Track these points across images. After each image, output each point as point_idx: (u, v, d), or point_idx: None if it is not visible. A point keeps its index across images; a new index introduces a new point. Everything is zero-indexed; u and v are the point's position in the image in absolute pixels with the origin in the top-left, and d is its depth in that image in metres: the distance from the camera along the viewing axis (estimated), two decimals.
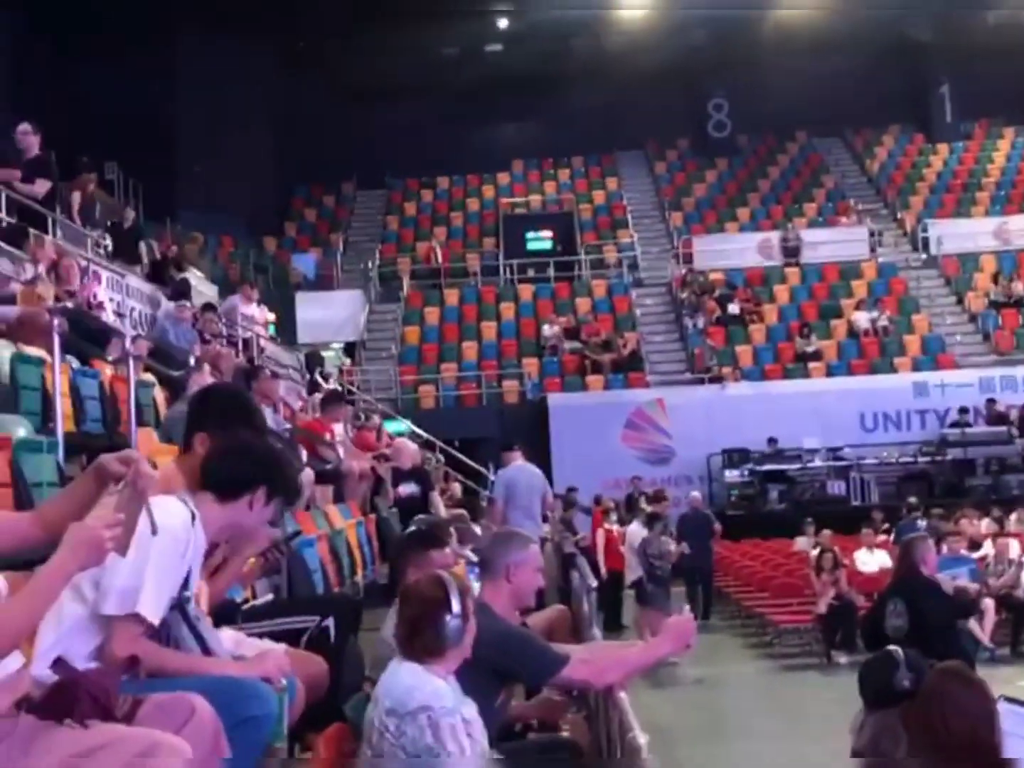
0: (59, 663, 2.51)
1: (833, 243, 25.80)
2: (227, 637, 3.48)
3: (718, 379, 21.97)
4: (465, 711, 3.28)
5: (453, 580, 3.42)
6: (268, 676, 3.02)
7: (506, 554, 4.13)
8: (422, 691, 3.21)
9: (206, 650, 3.14)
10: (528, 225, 28.08)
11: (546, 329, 23.68)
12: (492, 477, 15.59)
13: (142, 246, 14.12)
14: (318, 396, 12.88)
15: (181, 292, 12.59)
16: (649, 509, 14.65)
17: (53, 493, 4.66)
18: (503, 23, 29.03)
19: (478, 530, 7.21)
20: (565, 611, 5.77)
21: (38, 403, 6.15)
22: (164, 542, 2.84)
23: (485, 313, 25.09)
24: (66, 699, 2.40)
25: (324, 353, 20.49)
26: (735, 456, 20.68)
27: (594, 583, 5.39)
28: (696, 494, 17.29)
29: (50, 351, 6.53)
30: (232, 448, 3.28)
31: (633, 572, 13.31)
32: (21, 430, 5.05)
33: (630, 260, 26.66)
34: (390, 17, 25.11)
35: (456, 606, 3.29)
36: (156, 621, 2.93)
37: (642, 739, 2.96)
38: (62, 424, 5.65)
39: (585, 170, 30.88)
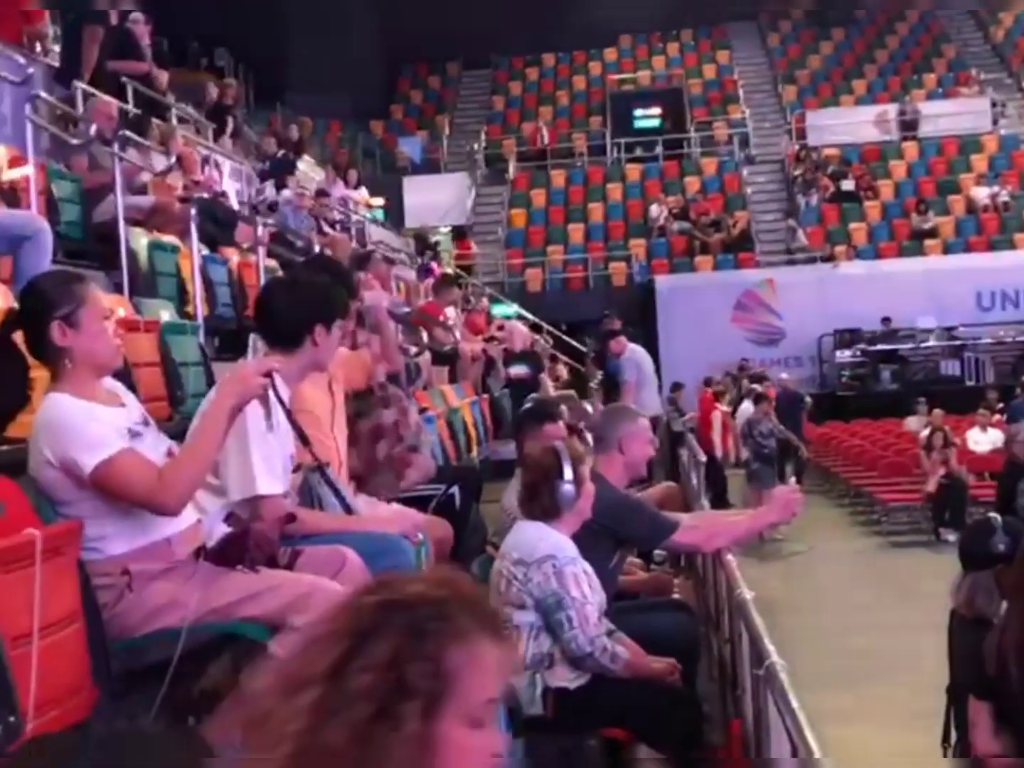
0: (231, 517, 2.83)
1: (953, 115, 24.88)
2: (363, 502, 3.80)
3: (830, 258, 21.64)
4: (584, 565, 3.61)
5: (567, 449, 3.71)
6: (406, 533, 3.33)
7: (618, 428, 4.40)
8: (546, 542, 3.58)
9: (348, 510, 3.47)
10: (636, 102, 27.64)
11: (654, 210, 23.50)
12: (589, 350, 15.79)
13: (250, 133, 14.39)
14: (429, 280, 13.17)
15: (285, 171, 12.82)
16: (759, 388, 14.76)
17: (198, 372, 5.03)
18: None
19: (588, 408, 7.46)
20: (674, 487, 6.02)
21: (174, 288, 6.53)
22: (255, 417, 2.94)
23: (592, 194, 24.95)
24: (238, 549, 2.73)
25: (433, 237, 20.76)
26: (847, 336, 20.51)
27: (703, 458, 5.60)
28: (785, 375, 17.24)
29: (183, 239, 6.90)
30: (274, 307, 3.42)
31: (740, 452, 13.51)
32: (165, 313, 5.40)
33: (741, 137, 26.12)
34: None
35: (568, 473, 3.60)
36: (280, 491, 3.14)
37: (748, 595, 3.19)
38: (201, 308, 6.00)
39: (695, 44, 30.11)
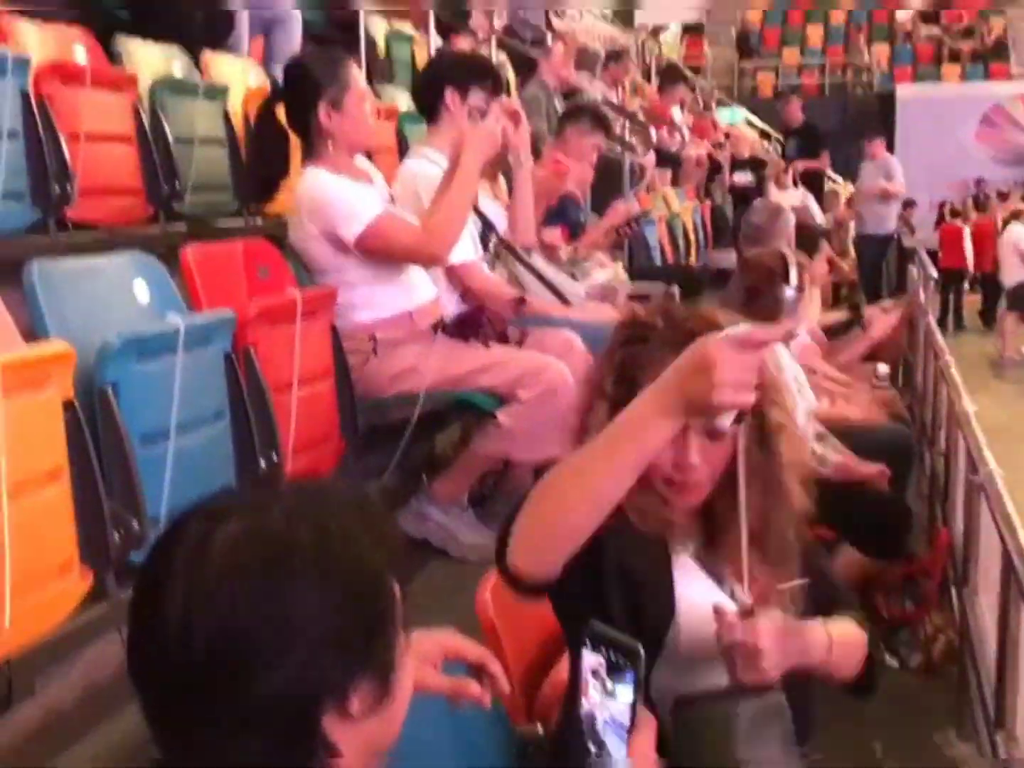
0: (467, 297, 3.00)
1: None
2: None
3: None
4: (796, 372, 3.62)
5: (793, 256, 3.67)
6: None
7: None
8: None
9: (547, 285, 3.56)
10: None
11: (900, 13, 21.91)
12: (828, 170, 15.23)
13: None
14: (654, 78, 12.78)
15: None
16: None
17: None
18: None
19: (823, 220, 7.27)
20: (900, 303, 5.86)
21: (408, 75, 6.65)
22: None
23: None
24: (472, 324, 2.91)
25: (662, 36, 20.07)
26: None
27: (935, 274, 5.42)
28: None
29: (419, 27, 6.97)
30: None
31: (1011, 274, 12.74)
32: (403, 101, 5.53)
33: None
34: None
35: (794, 278, 3.55)
36: (475, 256, 3.28)
37: (970, 407, 3.16)
38: None
39: None
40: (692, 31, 22.89)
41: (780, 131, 10.80)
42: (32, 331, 2.05)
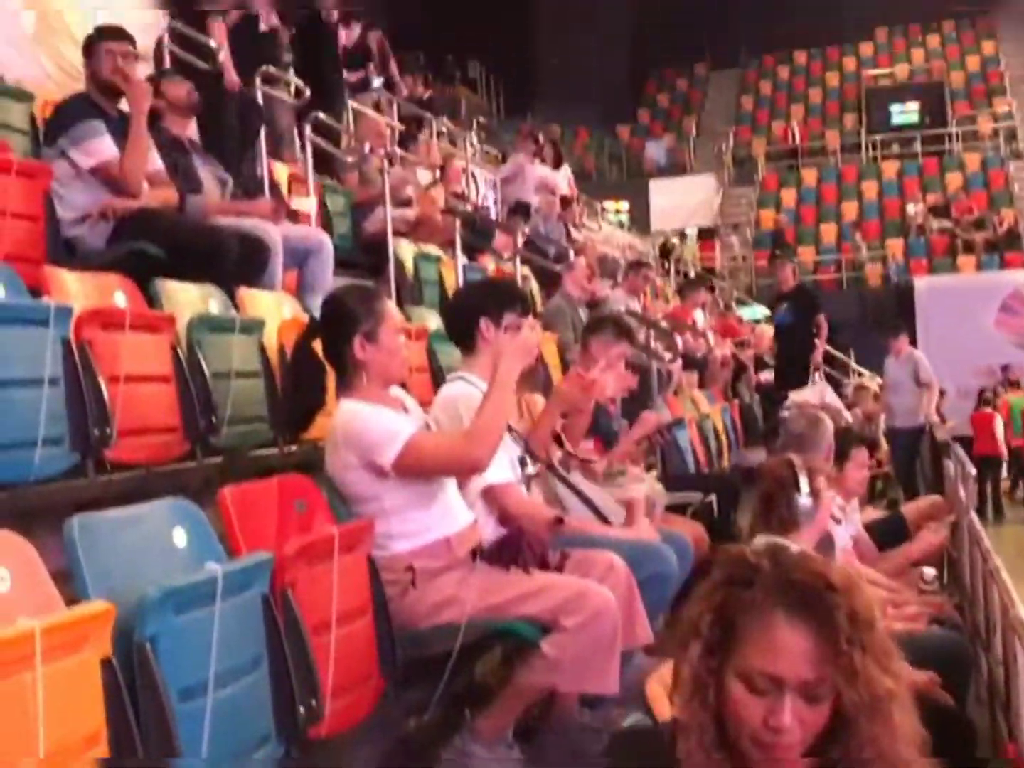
0: (504, 520, 2.97)
1: None
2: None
3: None
4: None
5: (801, 462, 3.68)
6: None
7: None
8: None
9: (590, 506, 3.54)
10: (893, 97, 26.54)
11: (911, 208, 22.53)
12: (852, 363, 15.37)
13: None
14: (674, 283, 13.12)
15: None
16: None
17: None
18: None
19: (849, 416, 7.28)
20: (940, 500, 5.78)
21: (436, 295, 6.84)
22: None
23: (845, 193, 24.18)
24: (512, 549, 2.87)
25: (676, 240, 20.71)
26: None
27: (973, 471, 5.36)
28: None
29: (445, 248, 7.21)
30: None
31: None
32: (432, 321, 5.65)
33: (1007, 131, 24.67)
34: None
35: (804, 485, 3.54)
36: (512, 477, 3.28)
37: None
38: None
39: (957, 35, 28.63)
40: (707, 234, 23.62)
41: (773, 298, 10.85)
42: (71, 586, 2.03)
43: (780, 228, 22.15)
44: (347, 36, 9.39)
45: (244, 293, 4.09)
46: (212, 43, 6.16)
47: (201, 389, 3.35)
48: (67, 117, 4.12)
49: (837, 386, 12.72)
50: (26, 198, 3.76)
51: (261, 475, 3.52)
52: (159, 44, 6.27)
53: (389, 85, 10.21)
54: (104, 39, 4.30)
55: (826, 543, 3.74)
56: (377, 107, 9.43)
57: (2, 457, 2.56)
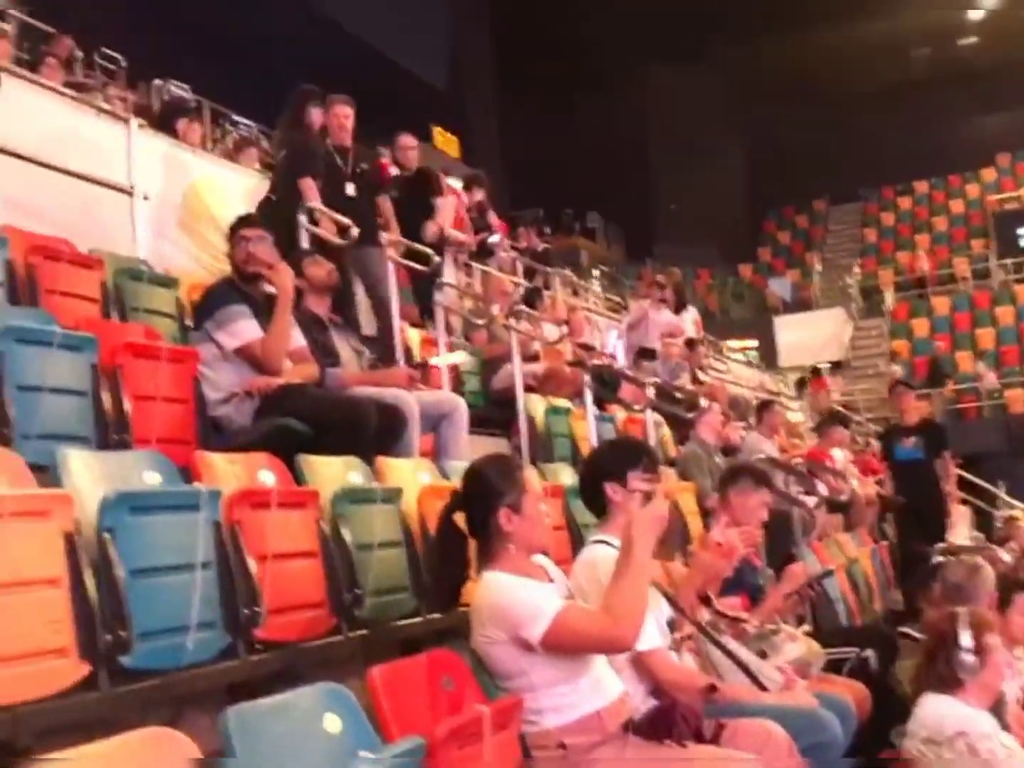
0: (657, 691, 2.88)
1: None
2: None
3: None
4: (1006, 739, 3.33)
5: (968, 615, 3.50)
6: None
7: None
8: (955, 718, 3.34)
9: (738, 663, 3.40)
10: (1021, 221, 26.13)
11: None
12: (1002, 495, 14.75)
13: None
14: (808, 422, 12.88)
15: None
16: None
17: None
18: (976, 14, 27.47)
19: (1006, 557, 6.94)
20: None
21: (568, 448, 6.84)
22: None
23: (980, 320, 23.63)
24: (666, 722, 2.77)
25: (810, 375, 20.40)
26: None
27: None
28: None
29: (574, 400, 7.23)
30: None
31: None
32: (566, 476, 5.64)
33: None
34: (855, 20, 24.79)
35: (966, 641, 3.36)
36: (661, 642, 3.20)
37: None
38: None
39: None
40: (838, 368, 23.25)
41: (893, 431, 10.28)
42: None
43: (935, 357, 21.70)
44: (469, 199, 9.70)
45: (383, 462, 4.15)
46: (312, 204, 6.32)
47: (345, 562, 3.37)
48: (212, 302, 4.32)
49: (987, 520, 12.20)
50: (176, 382, 3.94)
51: (405, 646, 3.53)
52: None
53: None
54: (240, 227, 4.56)
55: (998, 701, 3.53)
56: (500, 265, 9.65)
57: (156, 643, 2.60)
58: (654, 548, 2.91)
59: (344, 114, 7.02)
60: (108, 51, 11.83)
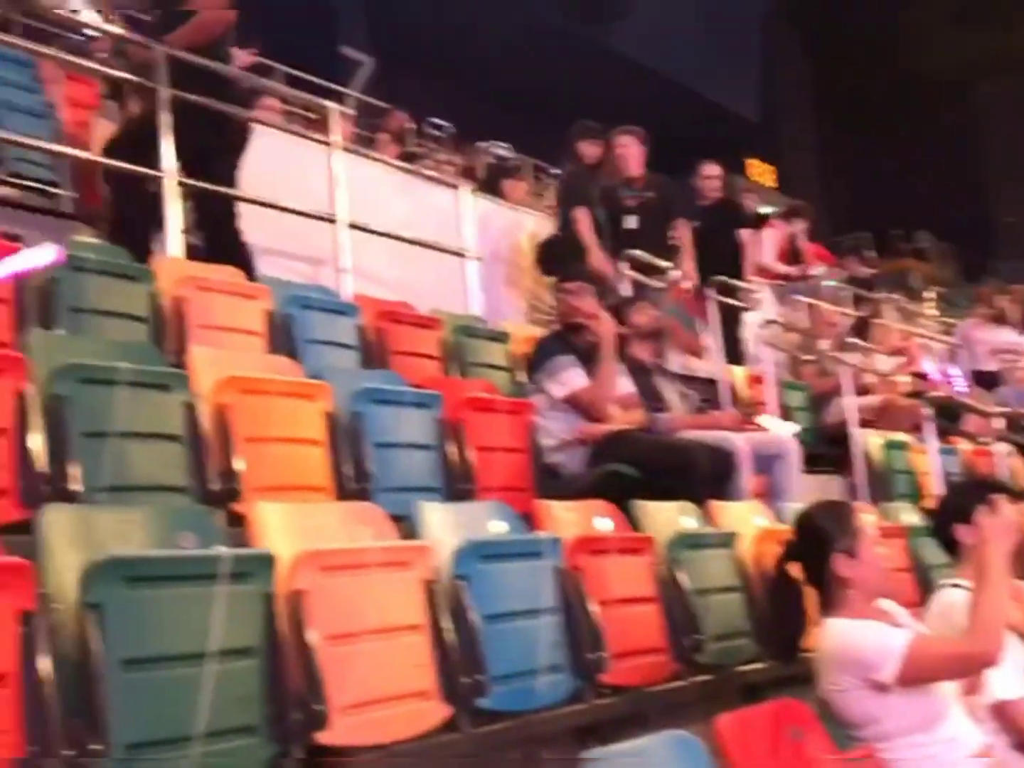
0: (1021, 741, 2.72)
1: None
2: None
3: None
4: None
5: None
6: None
7: None
8: None
9: None
10: None
11: None
12: None
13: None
14: None
15: None
16: None
17: (948, 574, 4.90)
18: None
19: None
20: None
21: (909, 485, 6.52)
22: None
23: None
24: None
25: None
26: None
27: None
28: None
29: (912, 434, 6.89)
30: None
31: None
32: (906, 515, 5.39)
33: None
34: None
35: None
36: (1022, 694, 2.98)
37: None
38: None
39: None
40: None
41: None
42: None
43: None
44: (791, 229, 9.53)
45: (714, 505, 4.15)
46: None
47: (683, 607, 3.40)
48: (542, 354, 4.52)
49: None
50: (513, 433, 4.13)
51: (747, 692, 3.51)
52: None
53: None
54: (561, 281, 4.77)
55: None
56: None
57: (510, 686, 2.73)
58: (1009, 562, 2.78)
59: (621, 144, 7.09)
60: (434, 120, 12.55)
